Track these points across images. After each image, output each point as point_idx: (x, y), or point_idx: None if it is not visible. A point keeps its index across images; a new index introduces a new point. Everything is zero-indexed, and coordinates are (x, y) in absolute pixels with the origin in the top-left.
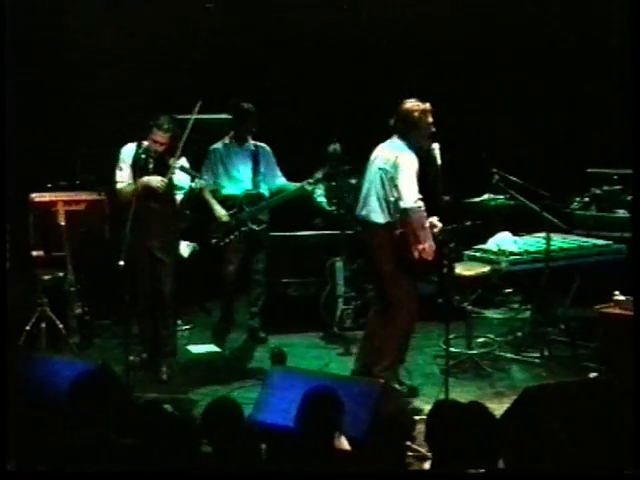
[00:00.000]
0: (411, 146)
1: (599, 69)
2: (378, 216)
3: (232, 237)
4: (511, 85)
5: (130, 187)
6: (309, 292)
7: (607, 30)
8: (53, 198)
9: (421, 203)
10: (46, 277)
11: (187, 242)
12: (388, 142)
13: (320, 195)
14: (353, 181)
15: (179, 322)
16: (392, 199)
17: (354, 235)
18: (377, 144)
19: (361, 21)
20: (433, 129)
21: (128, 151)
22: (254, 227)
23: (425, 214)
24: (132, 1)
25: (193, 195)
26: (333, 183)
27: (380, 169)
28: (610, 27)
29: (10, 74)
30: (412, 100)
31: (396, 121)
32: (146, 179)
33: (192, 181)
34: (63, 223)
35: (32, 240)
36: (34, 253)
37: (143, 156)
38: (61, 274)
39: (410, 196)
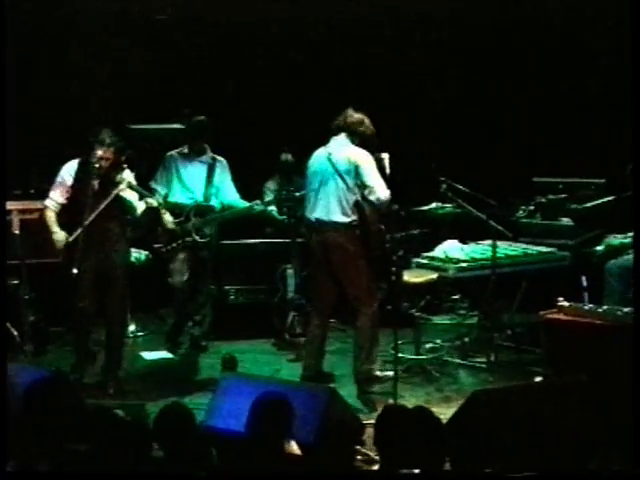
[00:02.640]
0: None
1: (545, 77)
2: (340, 217)
3: (175, 245)
4: (459, 94)
5: (50, 221)
6: (260, 299)
7: (561, 36)
8: (7, 207)
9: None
10: None
11: (138, 250)
12: (336, 141)
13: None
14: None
15: (132, 329)
16: (355, 197)
17: (305, 243)
18: None
19: (311, 30)
20: None
21: (69, 169)
22: (197, 238)
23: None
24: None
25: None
26: (284, 193)
27: (336, 169)
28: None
29: None
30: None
31: (351, 124)
32: (54, 236)
33: (140, 199)
34: (17, 232)
35: None
36: None
37: (85, 173)
38: (16, 282)
39: (382, 187)
